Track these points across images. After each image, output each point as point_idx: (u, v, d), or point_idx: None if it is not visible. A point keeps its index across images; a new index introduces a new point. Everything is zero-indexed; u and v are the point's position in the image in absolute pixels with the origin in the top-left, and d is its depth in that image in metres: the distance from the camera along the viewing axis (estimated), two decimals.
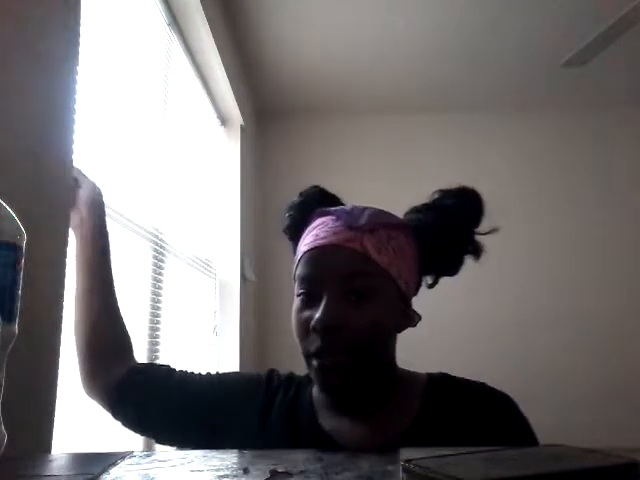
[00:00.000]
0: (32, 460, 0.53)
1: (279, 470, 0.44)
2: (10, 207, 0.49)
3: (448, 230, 0.80)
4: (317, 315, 0.71)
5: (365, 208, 0.80)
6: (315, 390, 0.83)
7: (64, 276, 1.02)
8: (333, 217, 0.78)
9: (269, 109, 3.67)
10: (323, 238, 0.75)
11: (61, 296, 1.01)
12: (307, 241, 0.78)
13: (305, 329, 0.74)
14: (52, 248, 0.98)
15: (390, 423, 0.77)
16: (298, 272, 0.78)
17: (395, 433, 0.75)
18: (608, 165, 3.68)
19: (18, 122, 0.90)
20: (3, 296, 0.47)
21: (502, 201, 3.69)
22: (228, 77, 2.62)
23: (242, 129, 3.08)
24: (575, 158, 3.70)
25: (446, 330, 3.40)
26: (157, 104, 2.00)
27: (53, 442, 0.98)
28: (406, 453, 0.55)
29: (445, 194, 0.82)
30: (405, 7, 2.67)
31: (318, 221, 0.80)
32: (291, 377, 0.89)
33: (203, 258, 2.59)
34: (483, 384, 0.81)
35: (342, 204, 0.87)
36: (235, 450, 0.65)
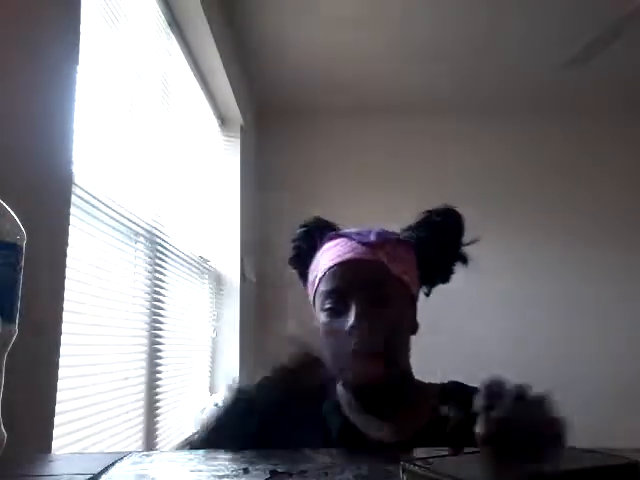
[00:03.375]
0: (32, 460, 0.53)
1: (279, 470, 0.44)
2: (10, 207, 0.49)
3: (438, 242, 0.91)
4: (352, 318, 0.80)
5: (370, 229, 0.89)
6: (339, 388, 0.88)
7: (64, 276, 1.02)
8: (345, 238, 0.88)
9: (269, 109, 3.67)
10: (343, 254, 0.85)
11: (61, 296, 1.01)
12: (329, 258, 0.87)
13: (337, 337, 0.81)
14: (52, 248, 0.98)
15: (409, 423, 0.83)
16: (323, 288, 0.86)
17: (411, 432, 0.81)
18: (607, 166, 3.68)
19: (18, 122, 0.90)
20: (3, 296, 0.47)
21: (502, 200, 3.70)
22: (228, 77, 2.62)
23: (242, 129, 3.08)
24: (575, 158, 3.69)
25: (450, 335, 3.40)
26: (157, 104, 2.00)
27: (53, 442, 0.98)
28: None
29: (432, 213, 0.95)
30: (405, 7, 2.67)
31: (332, 243, 0.89)
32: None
33: (203, 258, 2.59)
34: None
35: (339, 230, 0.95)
36: (235, 450, 0.65)
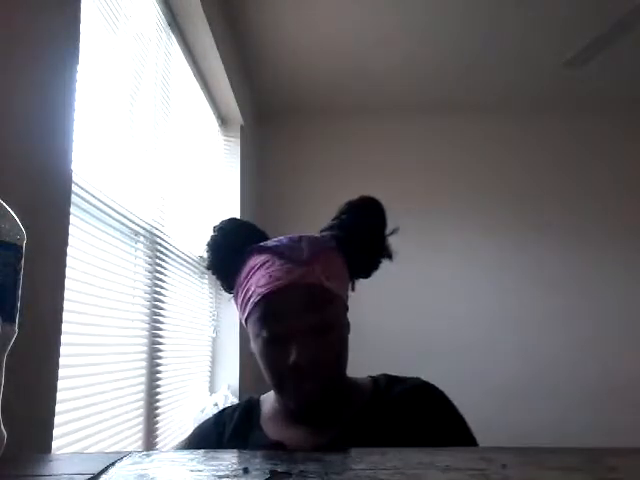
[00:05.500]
0: (32, 460, 0.53)
1: (279, 470, 0.44)
2: (10, 207, 0.49)
3: (359, 240, 0.86)
4: (294, 354, 0.77)
5: (300, 238, 0.84)
6: (268, 409, 0.90)
7: (64, 276, 1.02)
8: (276, 255, 0.81)
9: (269, 109, 3.67)
10: (279, 279, 0.79)
11: (61, 296, 1.01)
12: (261, 282, 0.80)
13: (278, 367, 0.80)
14: (52, 248, 0.98)
15: (331, 423, 0.83)
16: (258, 314, 0.81)
17: (335, 432, 0.82)
18: (607, 165, 3.68)
19: (18, 122, 0.90)
20: (3, 296, 0.47)
21: (503, 199, 3.70)
22: (228, 77, 2.62)
23: (242, 129, 3.08)
24: (574, 158, 3.69)
25: (444, 336, 3.40)
26: (157, 104, 2.00)
27: (53, 442, 0.98)
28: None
29: (350, 207, 0.88)
30: (405, 7, 2.67)
31: (260, 259, 0.82)
32: (235, 407, 0.95)
33: (203, 258, 2.59)
34: (418, 378, 0.90)
35: (260, 233, 0.90)
36: (235, 450, 0.65)
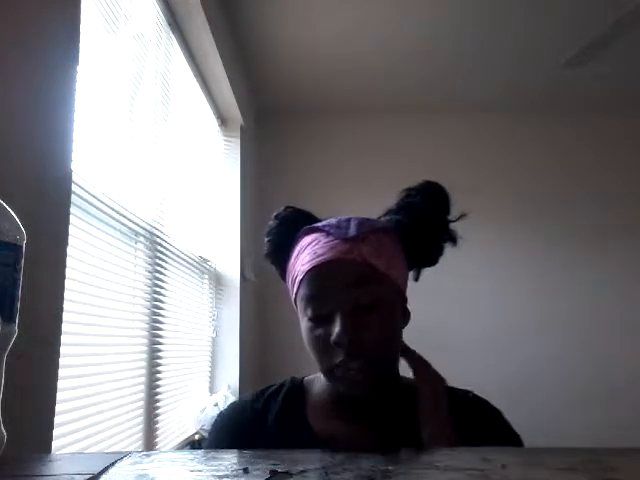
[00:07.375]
0: (32, 460, 0.53)
1: (279, 470, 0.43)
2: (10, 207, 0.49)
3: (422, 226, 0.83)
4: (337, 330, 0.73)
5: (349, 218, 0.81)
6: (313, 397, 0.85)
7: (64, 276, 1.02)
8: (323, 233, 0.79)
9: (269, 109, 3.67)
10: (321, 255, 0.76)
11: (61, 296, 1.01)
12: (305, 260, 0.78)
13: (323, 345, 0.75)
14: (52, 248, 0.98)
15: (386, 425, 0.78)
16: (303, 292, 0.78)
17: (390, 435, 0.77)
18: (607, 166, 3.68)
19: (18, 122, 0.90)
20: (3, 296, 0.47)
21: (500, 200, 3.69)
22: (228, 77, 2.62)
23: (242, 129, 3.08)
24: (574, 159, 3.69)
25: (443, 334, 3.40)
26: (157, 105, 2.00)
27: (53, 442, 0.98)
28: (405, 453, 0.55)
29: (411, 192, 0.86)
30: (405, 7, 2.67)
31: (308, 239, 0.81)
32: (279, 387, 0.88)
33: (203, 258, 2.59)
34: (471, 392, 0.87)
35: (316, 220, 0.88)
36: (235, 450, 0.65)
